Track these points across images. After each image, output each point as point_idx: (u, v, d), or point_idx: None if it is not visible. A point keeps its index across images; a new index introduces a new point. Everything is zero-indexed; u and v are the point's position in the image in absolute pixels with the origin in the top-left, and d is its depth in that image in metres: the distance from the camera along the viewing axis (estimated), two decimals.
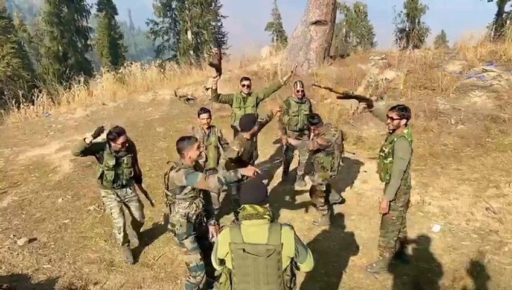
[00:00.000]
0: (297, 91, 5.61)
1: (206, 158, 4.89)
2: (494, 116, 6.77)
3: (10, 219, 5.28)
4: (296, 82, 5.72)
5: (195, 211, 3.40)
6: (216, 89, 5.34)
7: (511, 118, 6.61)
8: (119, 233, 4.27)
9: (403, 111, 3.62)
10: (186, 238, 3.42)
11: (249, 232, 2.30)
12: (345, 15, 33.52)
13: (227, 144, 4.92)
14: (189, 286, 3.57)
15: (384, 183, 3.91)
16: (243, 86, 5.56)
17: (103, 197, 4.25)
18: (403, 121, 3.62)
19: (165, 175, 3.36)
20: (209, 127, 4.92)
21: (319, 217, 5.14)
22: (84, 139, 3.79)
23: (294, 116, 5.68)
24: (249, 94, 5.61)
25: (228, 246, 2.31)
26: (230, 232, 2.34)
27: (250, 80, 5.65)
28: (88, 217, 5.29)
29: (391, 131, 3.72)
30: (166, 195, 3.44)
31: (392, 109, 3.68)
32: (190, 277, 3.54)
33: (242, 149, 4.24)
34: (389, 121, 3.66)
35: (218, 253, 2.39)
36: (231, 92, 6.01)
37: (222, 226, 2.45)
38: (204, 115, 4.81)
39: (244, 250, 2.27)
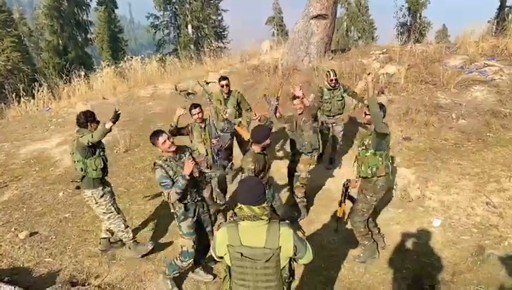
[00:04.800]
0: (331, 80, 5.92)
1: (206, 152, 4.89)
2: (495, 111, 6.75)
3: (11, 212, 5.30)
4: (329, 71, 6.01)
5: (189, 198, 3.53)
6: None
7: None
8: None
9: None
10: (183, 221, 3.55)
11: (247, 234, 2.26)
12: (346, 9, 33.31)
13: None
14: (173, 267, 3.72)
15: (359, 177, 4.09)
16: (222, 86, 5.65)
17: None
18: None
19: None
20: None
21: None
22: (104, 125, 3.85)
23: (326, 102, 6.02)
24: (229, 94, 5.74)
25: (226, 247, 2.29)
26: (228, 232, 2.30)
27: (228, 78, 5.77)
28: (89, 211, 5.28)
29: (369, 124, 3.98)
30: None
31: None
32: (178, 259, 3.68)
33: (257, 165, 3.87)
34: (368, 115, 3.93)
35: (217, 251, 2.37)
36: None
37: (220, 223, 2.42)
38: (196, 110, 4.81)
39: (241, 254, 2.25)
